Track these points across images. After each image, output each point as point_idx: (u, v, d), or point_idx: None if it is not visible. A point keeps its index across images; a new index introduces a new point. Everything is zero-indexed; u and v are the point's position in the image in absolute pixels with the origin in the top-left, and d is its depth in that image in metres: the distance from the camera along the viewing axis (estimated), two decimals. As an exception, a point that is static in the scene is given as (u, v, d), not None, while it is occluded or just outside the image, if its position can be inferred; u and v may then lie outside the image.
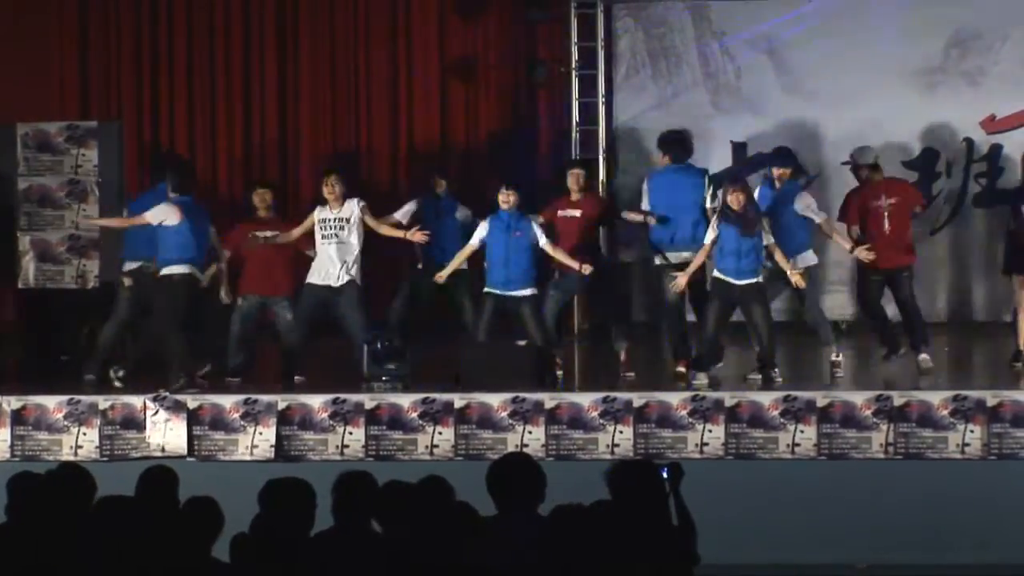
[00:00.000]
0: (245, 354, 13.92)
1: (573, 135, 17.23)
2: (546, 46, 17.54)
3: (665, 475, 7.54)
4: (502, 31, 17.71)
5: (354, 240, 13.69)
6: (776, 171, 14.02)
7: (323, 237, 13.69)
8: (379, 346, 13.62)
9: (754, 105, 17.05)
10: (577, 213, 13.93)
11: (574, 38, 17.28)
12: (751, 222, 13.20)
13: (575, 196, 13.99)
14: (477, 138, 17.73)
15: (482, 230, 13.69)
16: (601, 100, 17.22)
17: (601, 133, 17.17)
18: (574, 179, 14.07)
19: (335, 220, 13.70)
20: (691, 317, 14.03)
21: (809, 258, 13.91)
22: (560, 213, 13.98)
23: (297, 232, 13.85)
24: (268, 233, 13.89)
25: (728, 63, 17.09)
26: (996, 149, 16.74)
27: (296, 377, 13.75)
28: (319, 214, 13.75)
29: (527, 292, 13.60)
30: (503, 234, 13.58)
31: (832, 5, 16.83)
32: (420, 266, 14.41)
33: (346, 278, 13.65)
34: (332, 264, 13.65)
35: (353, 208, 13.72)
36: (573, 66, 17.27)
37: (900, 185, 14.62)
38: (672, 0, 17.14)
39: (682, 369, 13.52)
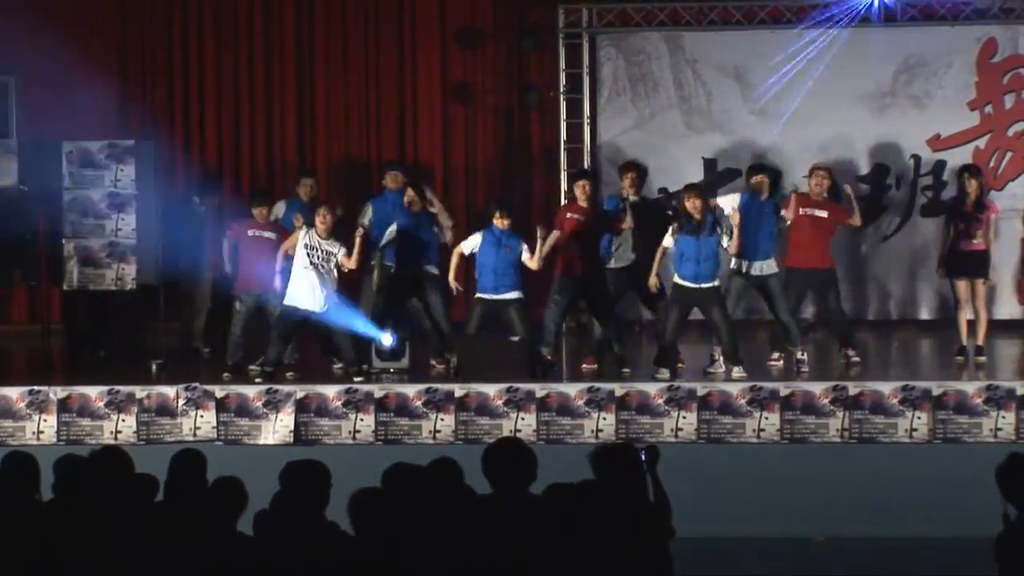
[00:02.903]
0: (243, 351, 13.88)
1: (561, 152, 17.22)
2: (537, 72, 17.56)
3: (643, 457, 7.51)
4: (498, 59, 17.71)
5: (334, 274, 13.42)
6: (753, 179, 13.95)
7: (309, 263, 13.33)
8: (383, 345, 13.63)
9: (723, 125, 17.05)
10: (585, 218, 13.89)
11: (562, 65, 17.27)
12: (704, 227, 13.17)
13: (583, 203, 13.95)
14: (475, 155, 17.74)
15: (475, 241, 13.64)
16: (586, 121, 17.22)
17: (586, 150, 17.16)
18: (580, 188, 14.03)
19: (323, 252, 13.37)
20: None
21: (772, 265, 13.88)
22: (569, 215, 13.95)
23: (285, 246, 13.58)
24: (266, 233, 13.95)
25: (700, 87, 17.09)
26: (940, 165, 16.74)
27: (288, 373, 13.69)
28: (306, 239, 13.35)
29: (513, 295, 13.59)
30: (494, 247, 13.55)
31: (793, 36, 16.86)
32: (394, 270, 14.20)
33: (331, 301, 13.44)
34: (313, 291, 13.34)
35: (338, 250, 13.41)
36: (561, 90, 17.27)
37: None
38: (650, 31, 17.13)
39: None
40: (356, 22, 17.82)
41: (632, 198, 14.05)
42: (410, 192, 14.21)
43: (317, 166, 17.67)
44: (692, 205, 13.20)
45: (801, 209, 13.88)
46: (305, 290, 13.36)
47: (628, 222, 13.73)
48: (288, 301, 13.42)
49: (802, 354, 13.67)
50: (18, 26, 17.50)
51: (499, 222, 13.59)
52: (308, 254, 13.38)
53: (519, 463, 7.31)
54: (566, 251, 13.79)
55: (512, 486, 7.24)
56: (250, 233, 13.99)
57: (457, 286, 13.82)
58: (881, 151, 16.84)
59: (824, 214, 14.00)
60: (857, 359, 13.90)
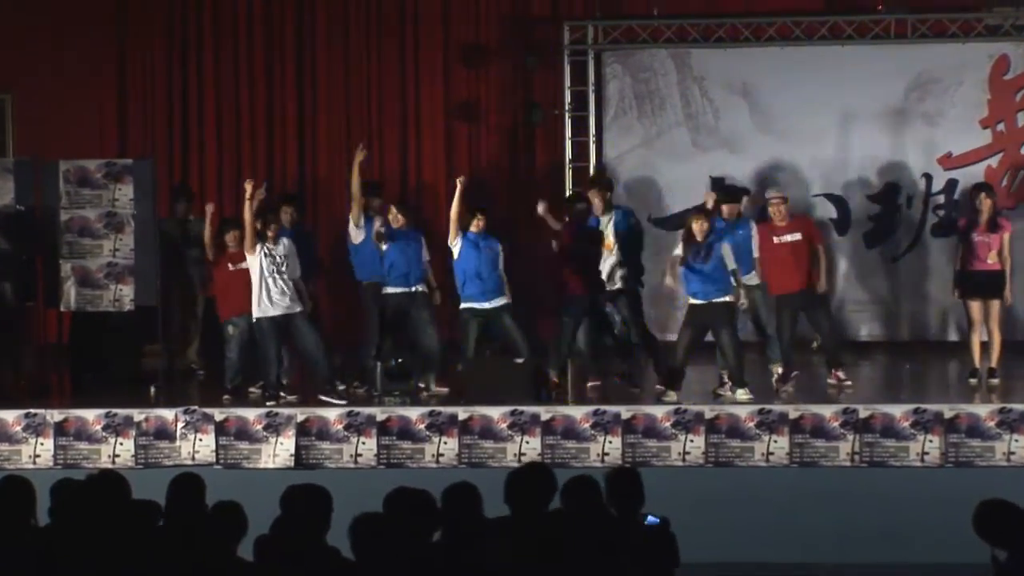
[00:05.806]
0: (242, 374, 13.90)
1: (566, 171, 17.22)
2: (542, 90, 17.56)
3: (649, 520, 7.43)
4: (502, 77, 17.72)
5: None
6: (725, 208, 14.08)
7: (276, 272, 13.46)
8: (392, 364, 13.64)
9: (731, 143, 17.04)
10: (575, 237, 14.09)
11: (567, 83, 17.27)
12: (707, 249, 13.22)
13: (570, 222, 14.14)
14: (479, 173, 17.72)
15: (456, 247, 13.72)
16: (592, 139, 17.21)
17: (591, 169, 17.15)
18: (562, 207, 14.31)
19: (281, 256, 13.52)
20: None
21: (753, 278, 14.01)
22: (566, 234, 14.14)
23: (248, 241, 13.58)
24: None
25: (707, 105, 17.10)
26: (952, 184, 16.73)
27: (290, 396, 13.67)
28: (263, 249, 13.47)
29: (503, 301, 13.70)
30: (474, 251, 13.66)
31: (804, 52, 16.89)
32: (390, 289, 14.14)
33: (300, 306, 13.57)
34: (283, 295, 13.46)
35: (288, 245, 13.63)
36: (566, 108, 17.27)
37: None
38: (656, 48, 17.14)
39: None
40: (359, 39, 17.84)
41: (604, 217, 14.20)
42: (393, 210, 14.26)
43: (318, 184, 17.73)
44: (699, 228, 13.28)
45: (775, 238, 14.02)
46: (275, 296, 13.46)
47: (609, 242, 13.94)
48: (260, 314, 13.47)
49: (780, 370, 13.73)
50: (16, 44, 17.59)
51: (476, 225, 13.68)
52: (269, 260, 13.47)
53: (545, 487, 7.29)
54: (565, 271, 13.90)
55: (534, 509, 7.22)
56: (230, 268, 13.99)
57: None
58: (892, 170, 16.84)
59: (798, 236, 14.13)
60: (848, 382, 13.88)
